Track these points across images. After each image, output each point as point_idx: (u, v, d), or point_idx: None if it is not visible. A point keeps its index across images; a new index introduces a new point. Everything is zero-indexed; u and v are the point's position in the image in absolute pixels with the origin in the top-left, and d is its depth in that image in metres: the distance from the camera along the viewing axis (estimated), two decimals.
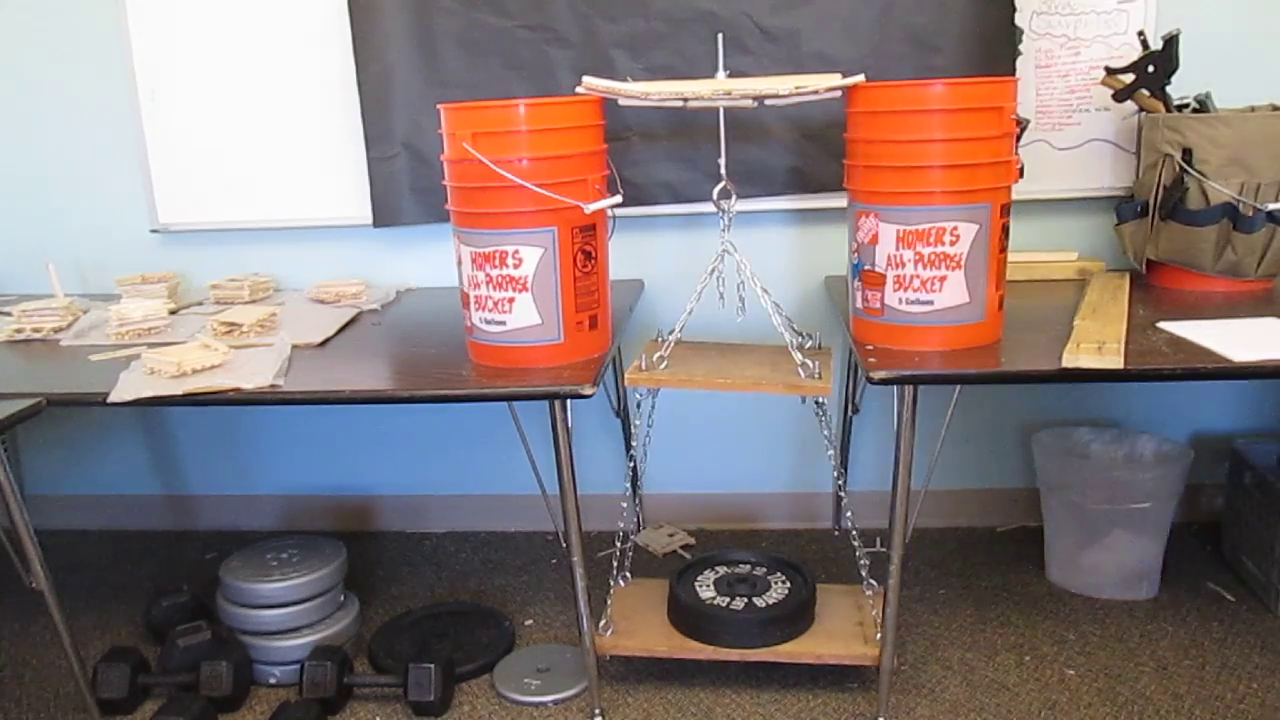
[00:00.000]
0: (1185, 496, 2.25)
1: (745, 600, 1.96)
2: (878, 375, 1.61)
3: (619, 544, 2.29)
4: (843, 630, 1.93)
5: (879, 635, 1.88)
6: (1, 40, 2.51)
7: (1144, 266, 2.18)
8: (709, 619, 1.91)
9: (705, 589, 2.02)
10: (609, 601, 2.04)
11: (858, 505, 2.57)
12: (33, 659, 2.18)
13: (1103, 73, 2.18)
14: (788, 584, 2.02)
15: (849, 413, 2.49)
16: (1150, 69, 2.12)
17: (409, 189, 2.40)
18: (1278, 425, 2.50)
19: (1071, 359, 1.62)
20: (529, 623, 2.24)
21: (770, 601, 1.96)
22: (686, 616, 1.94)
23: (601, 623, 1.96)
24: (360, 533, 2.75)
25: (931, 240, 1.66)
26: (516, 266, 1.70)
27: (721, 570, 2.09)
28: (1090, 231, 2.40)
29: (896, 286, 1.71)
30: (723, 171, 1.78)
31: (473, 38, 2.30)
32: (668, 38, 2.27)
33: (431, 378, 1.74)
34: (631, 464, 2.09)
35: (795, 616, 1.92)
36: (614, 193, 1.75)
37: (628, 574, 2.14)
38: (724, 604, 1.95)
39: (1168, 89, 2.13)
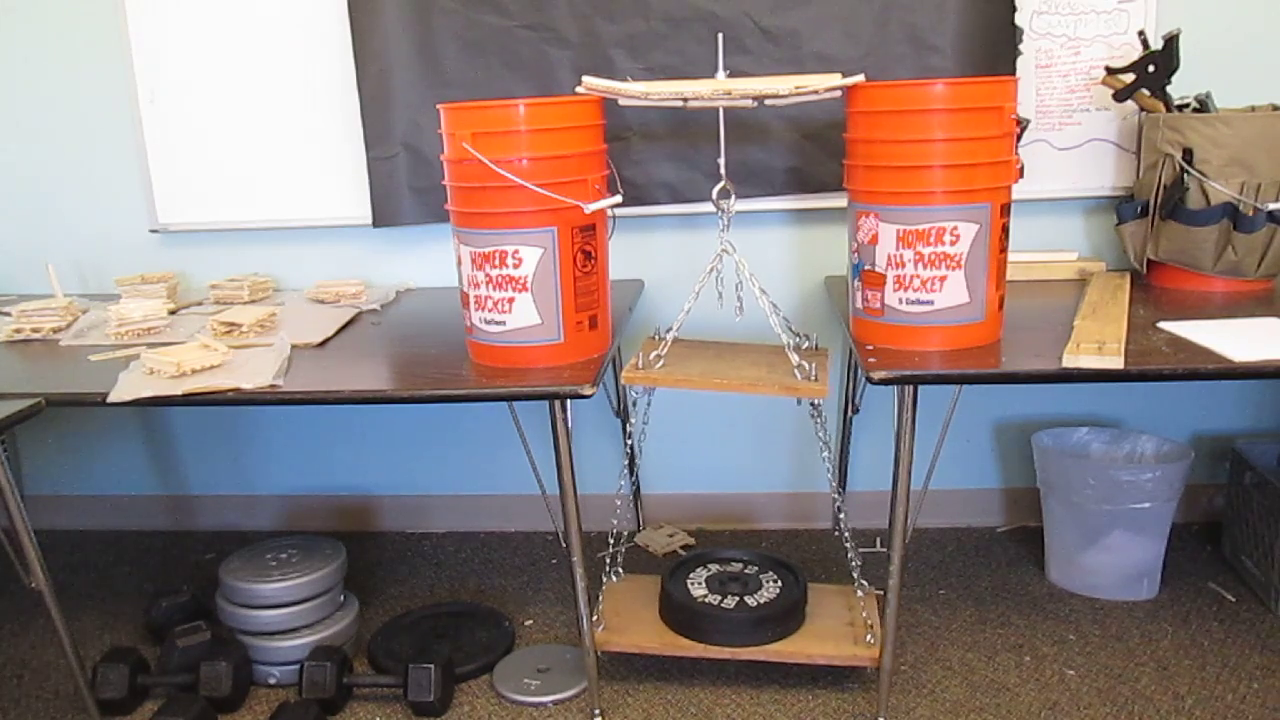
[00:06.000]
0: (1185, 496, 2.25)
1: (737, 599, 1.96)
2: (878, 375, 1.61)
3: (612, 543, 2.29)
4: (834, 630, 1.92)
5: (869, 637, 1.88)
6: (1, 41, 2.51)
7: (1144, 266, 2.18)
8: (700, 616, 1.92)
9: (697, 586, 2.02)
10: (600, 597, 2.04)
11: (858, 505, 2.57)
12: (33, 659, 2.18)
13: (1103, 72, 2.18)
14: (779, 583, 2.02)
15: (849, 413, 2.49)
16: (1151, 69, 2.12)
17: (408, 189, 2.40)
18: (1278, 425, 2.50)
19: (1071, 359, 1.62)
20: (529, 623, 2.24)
21: (761, 600, 1.96)
22: (678, 614, 1.94)
23: (593, 618, 1.96)
24: (360, 533, 2.75)
25: (931, 240, 1.66)
26: (516, 266, 1.70)
27: (714, 568, 2.09)
28: (1090, 231, 2.40)
29: (896, 286, 1.71)
30: (722, 171, 1.78)
31: (473, 38, 2.30)
32: (668, 38, 2.27)
33: (431, 378, 1.74)
34: (626, 461, 2.09)
35: (786, 616, 1.92)
36: (614, 193, 1.74)
37: (620, 570, 2.15)
38: (715, 602, 1.95)
39: (1168, 89, 2.13)
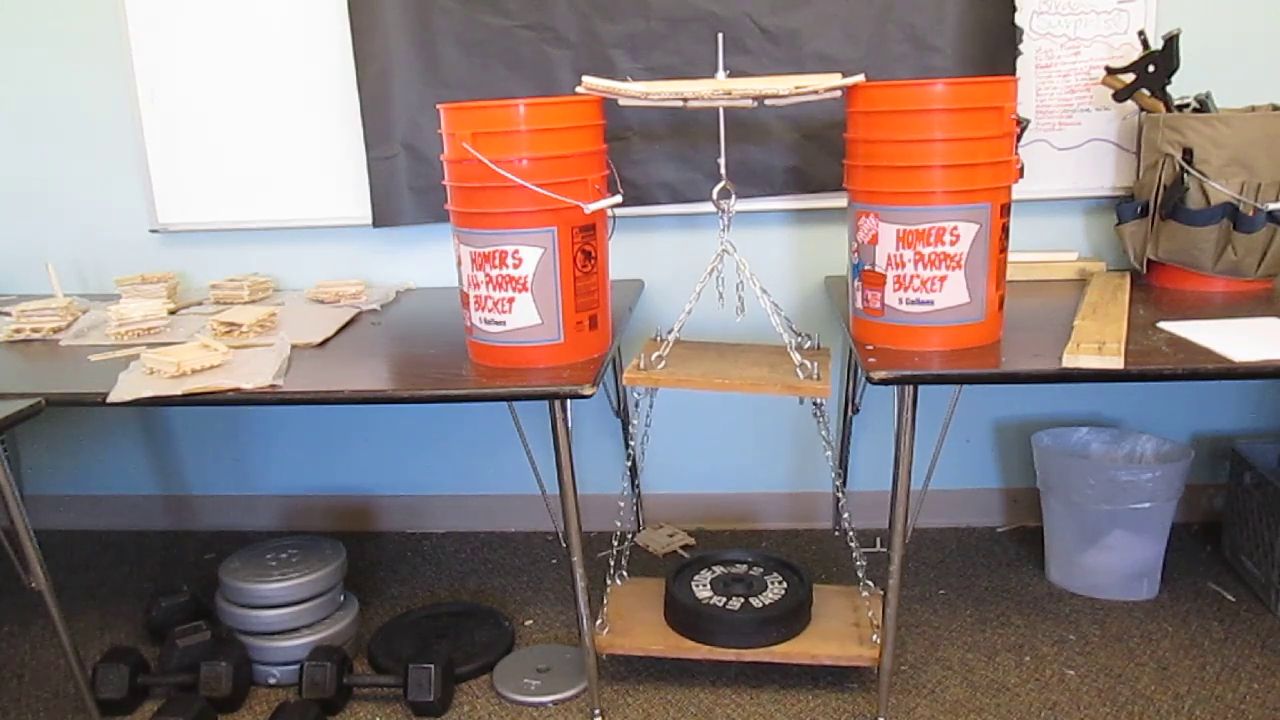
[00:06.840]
0: (1185, 496, 2.25)
1: (741, 600, 1.96)
2: (878, 375, 1.61)
3: (615, 543, 2.29)
4: (838, 631, 1.92)
5: (875, 637, 1.88)
6: (1, 40, 2.51)
7: (1144, 266, 2.18)
8: (705, 618, 1.91)
9: (702, 588, 2.02)
10: (605, 600, 2.04)
11: (858, 505, 2.57)
12: (32, 659, 2.18)
13: (1103, 72, 2.18)
14: (784, 584, 2.02)
15: (849, 413, 2.49)
16: (1151, 69, 2.12)
17: (408, 189, 2.40)
18: (1278, 425, 2.50)
19: (1071, 359, 1.62)
20: (529, 623, 2.24)
21: (766, 602, 1.96)
22: (683, 616, 1.94)
23: (598, 621, 1.96)
24: (360, 533, 2.75)
25: (931, 240, 1.66)
26: (516, 266, 1.70)
27: (718, 570, 2.09)
28: (1090, 231, 2.40)
29: (897, 286, 1.71)
30: (722, 171, 1.78)
31: (473, 38, 2.30)
32: (668, 38, 2.27)
33: (431, 378, 1.74)
34: (629, 462, 2.09)
35: (791, 617, 1.92)
36: (614, 193, 1.74)
37: (624, 573, 2.15)
38: (720, 604, 1.95)
39: (1168, 89, 2.13)
